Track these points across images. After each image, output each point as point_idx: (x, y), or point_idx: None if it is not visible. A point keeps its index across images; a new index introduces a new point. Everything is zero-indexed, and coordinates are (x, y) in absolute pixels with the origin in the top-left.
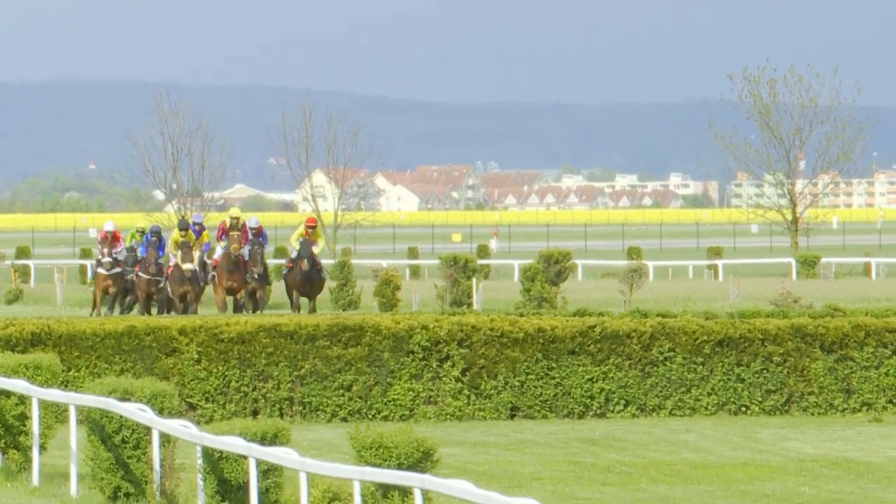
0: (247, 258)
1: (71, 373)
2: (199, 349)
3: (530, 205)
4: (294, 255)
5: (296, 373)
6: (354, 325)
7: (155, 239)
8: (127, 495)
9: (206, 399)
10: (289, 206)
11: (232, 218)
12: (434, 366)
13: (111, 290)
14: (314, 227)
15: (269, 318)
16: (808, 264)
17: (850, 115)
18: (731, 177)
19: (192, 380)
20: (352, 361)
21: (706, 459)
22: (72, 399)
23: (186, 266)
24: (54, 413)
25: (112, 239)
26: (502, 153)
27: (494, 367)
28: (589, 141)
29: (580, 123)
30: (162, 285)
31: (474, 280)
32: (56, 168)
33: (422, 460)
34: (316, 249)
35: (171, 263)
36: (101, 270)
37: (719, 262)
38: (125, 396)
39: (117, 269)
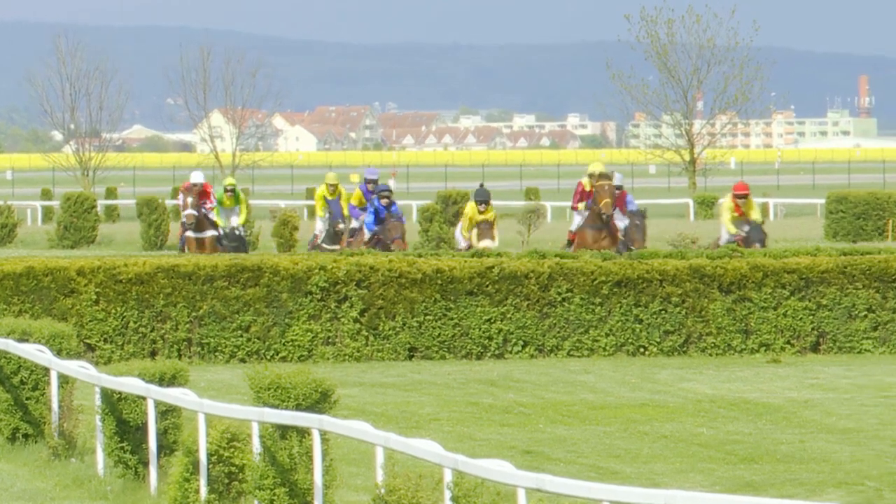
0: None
1: None
2: (97, 290)
3: (428, 145)
4: (724, 239)
5: (194, 314)
6: (253, 265)
7: (386, 203)
8: (25, 436)
9: (105, 340)
10: (187, 147)
11: (597, 175)
12: (332, 307)
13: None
14: (746, 196)
15: (167, 258)
16: (706, 205)
17: (748, 55)
18: (628, 117)
19: (90, 321)
20: (250, 302)
21: (604, 400)
22: None
23: (485, 244)
24: None
25: (200, 194)
26: (400, 94)
27: (393, 307)
28: (487, 82)
29: (478, 64)
30: None
31: None
32: None
33: (320, 401)
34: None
35: (463, 246)
36: (189, 234)
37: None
38: (23, 337)
39: (212, 232)
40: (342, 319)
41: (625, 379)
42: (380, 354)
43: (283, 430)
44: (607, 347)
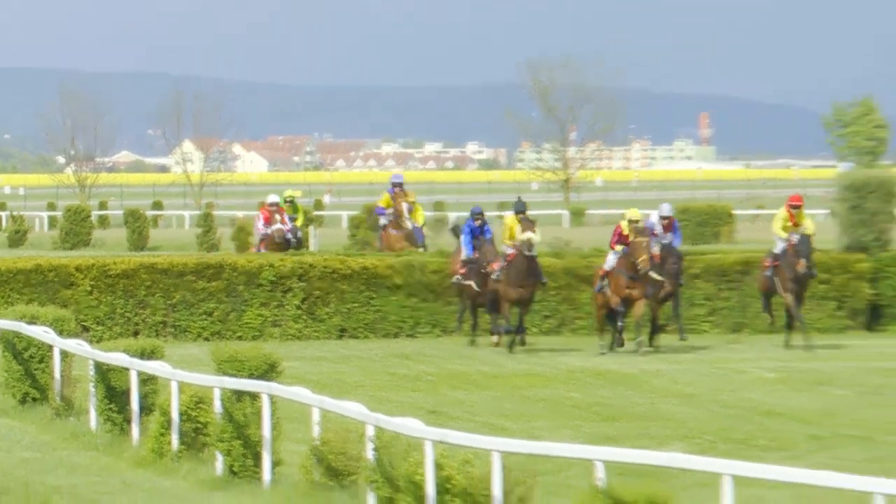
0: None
1: None
2: (91, 283)
3: (356, 167)
4: (779, 248)
5: (168, 301)
6: (216, 263)
7: (479, 223)
8: (34, 399)
9: (97, 323)
10: (164, 168)
11: (632, 222)
12: (279, 296)
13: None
14: (800, 207)
15: (147, 258)
16: (578, 215)
17: (612, 96)
18: (516, 145)
19: (86, 307)
20: (213, 292)
21: (496, 370)
22: None
23: (527, 235)
24: None
25: (278, 213)
26: (334, 126)
27: (327, 296)
28: (403, 116)
29: (397, 101)
30: (495, 277)
31: (312, 227)
32: None
33: (269, 371)
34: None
35: (509, 254)
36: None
37: (507, 214)
38: (32, 321)
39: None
40: (287, 306)
41: (512, 354)
42: (316, 334)
43: (239, 394)
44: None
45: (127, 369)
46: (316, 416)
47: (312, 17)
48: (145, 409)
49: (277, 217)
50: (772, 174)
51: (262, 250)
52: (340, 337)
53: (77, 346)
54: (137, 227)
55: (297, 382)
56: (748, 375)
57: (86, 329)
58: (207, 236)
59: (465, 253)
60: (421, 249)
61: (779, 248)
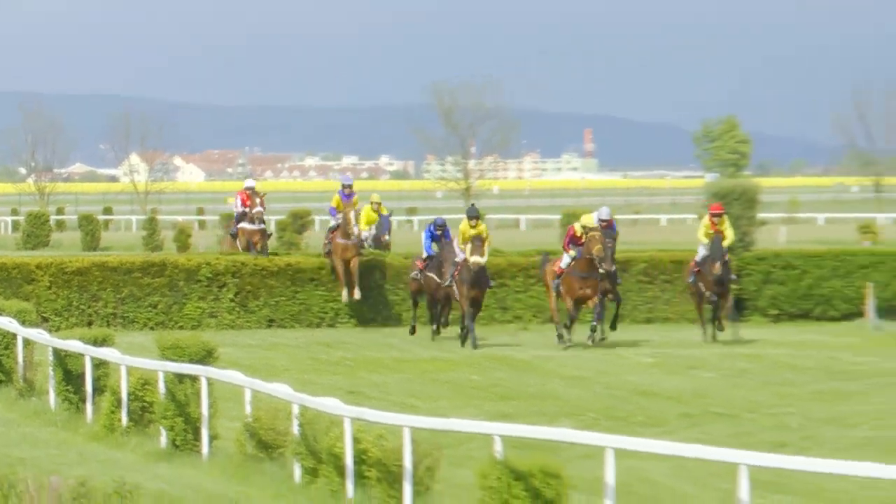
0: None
1: None
2: (50, 279)
3: (282, 178)
4: (700, 256)
5: (118, 295)
6: (159, 261)
7: (440, 233)
8: (0, 382)
9: (56, 314)
10: (113, 178)
11: (585, 227)
12: (215, 290)
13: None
14: (721, 215)
15: (99, 257)
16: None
17: (508, 114)
18: (423, 158)
19: (45, 300)
20: (157, 287)
21: (406, 356)
22: None
23: (475, 259)
24: None
25: (255, 197)
26: (263, 141)
27: (258, 291)
28: (323, 132)
29: (318, 119)
30: (447, 284)
31: None
32: None
33: (206, 357)
34: (726, 243)
35: (460, 259)
36: (244, 225)
37: (415, 218)
38: None
39: (262, 226)
40: (222, 299)
41: (420, 342)
42: (248, 324)
43: (181, 377)
44: (407, 320)
45: (82, 355)
46: (248, 396)
47: (242, 46)
48: (98, 390)
49: (257, 200)
50: (647, 183)
51: (235, 229)
52: (269, 326)
53: (38, 334)
54: (90, 229)
55: (231, 366)
56: (628, 360)
57: (45, 320)
58: (152, 238)
59: (424, 253)
60: (386, 237)
61: (700, 255)
